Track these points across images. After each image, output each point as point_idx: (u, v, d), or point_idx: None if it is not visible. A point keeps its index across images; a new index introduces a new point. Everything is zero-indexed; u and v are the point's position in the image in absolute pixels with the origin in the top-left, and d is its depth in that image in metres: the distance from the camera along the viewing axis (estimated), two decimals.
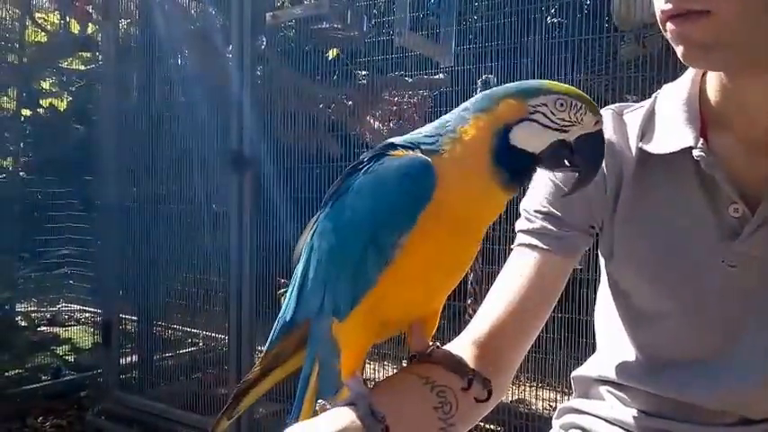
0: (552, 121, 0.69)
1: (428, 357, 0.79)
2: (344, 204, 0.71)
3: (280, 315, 0.78)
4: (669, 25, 0.76)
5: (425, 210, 0.67)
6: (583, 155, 0.70)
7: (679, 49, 0.77)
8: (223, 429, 0.81)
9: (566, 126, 0.69)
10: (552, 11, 2.73)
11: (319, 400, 0.72)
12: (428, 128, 0.73)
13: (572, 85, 0.71)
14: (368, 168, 0.71)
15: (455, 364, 0.78)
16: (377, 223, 0.68)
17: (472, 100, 0.72)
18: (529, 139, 0.69)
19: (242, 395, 0.80)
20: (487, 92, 0.72)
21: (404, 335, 0.80)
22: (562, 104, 0.69)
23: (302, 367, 0.77)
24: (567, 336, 2.56)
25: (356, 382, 0.70)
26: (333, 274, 0.72)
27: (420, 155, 0.69)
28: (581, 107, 0.69)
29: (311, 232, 0.76)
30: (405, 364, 0.83)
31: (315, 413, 0.72)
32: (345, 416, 0.67)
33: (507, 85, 0.72)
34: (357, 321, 0.70)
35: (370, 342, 0.73)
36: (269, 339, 0.79)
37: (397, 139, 0.73)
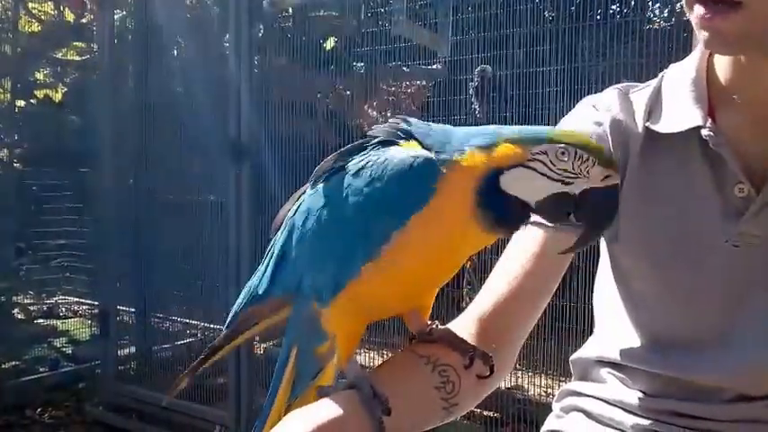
0: (552, 171, 0.66)
1: (428, 336, 0.78)
2: (338, 186, 0.69)
3: (250, 285, 0.77)
4: (699, 9, 0.74)
5: (421, 211, 0.65)
6: (587, 211, 0.67)
7: (702, 35, 0.75)
8: (182, 387, 0.82)
9: (568, 178, 0.66)
10: (546, 1, 2.74)
11: (319, 386, 0.72)
12: (438, 128, 0.71)
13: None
14: (370, 151, 0.69)
15: (456, 341, 0.78)
16: (370, 212, 0.66)
17: (489, 128, 0.69)
18: (523, 186, 0.66)
19: (205, 360, 0.80)
20: (502, 128, 0.69)
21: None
22: (564, 153, 0.65)
23: (263, 336, 0.78)
24: (558, 323, 2.59)
25: (352, 365, 0.70)
26: (316, 257, 0.70)
27: (428, 153, 0.67)
28: (587, 159, 0.65)
29: (296, 206, 0.74)
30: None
31: (315, 398, 0.72)
32: (347, 399, 0.67)
33: (521, 127, 0.69)
34: (346, 307, 0.69)
35: (363, 327, 0.73)
36: (234, 309, 0.78)
37: (412, 122, 0.71)
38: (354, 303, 0.69)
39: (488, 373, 0.78)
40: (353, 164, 0.68)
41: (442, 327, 0.80)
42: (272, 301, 0.75)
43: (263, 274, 0.76)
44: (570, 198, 0.66)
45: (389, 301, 0.73)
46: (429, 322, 0.79)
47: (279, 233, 0.76)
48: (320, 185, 0.71)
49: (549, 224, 0.72)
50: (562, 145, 0.65)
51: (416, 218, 0.65)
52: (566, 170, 0.65)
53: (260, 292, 0.75)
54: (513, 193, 0.66)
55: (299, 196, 0.75)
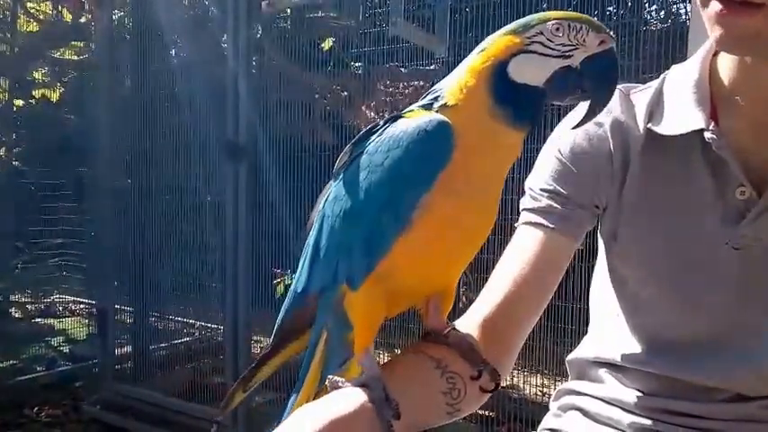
0: (552, 49, 0.67)
1: (443, 339, 0.78)
2: (359, 167, 0.70)
3: (291, 288, 0.77)
4: (715, 5, 0.73)
5: (443, 170, 0.66)
6: (591, 77, 0.67)
7: (716, 32, 0.74)
8: (238, 402, 0.81)
9: (567, 51, 0.67)
10: (544, 3, 2.75)
11: (331, 377, 0.71)
12: (438, 85, 0.72)
13: None
14: (383, 130, 0.70)
15: (468, 350, 0.78)
16: (394, 184, 0.67)
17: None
18: (529, 71, 0.67)
19: (257, 369, 0.79)
20: (495, 34, 0.71)
21: (418, 318, 0.80)
22: (558, 29, 0.67)
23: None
24: (555, 323, 2.60)
25: (369, 361, 0.70)
26: (347, 240, 0.70)
27: (436, 114, 0.68)
28: (581, 28, 0.67)
29: (323, 201, 0.75)
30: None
31: (324, 389, 0.72)
32: (358, 397, 0.67)
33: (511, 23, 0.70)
34: (370, 292, 0.69)
35: (383, 315, 0.72)
36: (281, 313, 0.78)
37: (413, 106, 0.72)
38: (383, 286, 0.69)
39: (493, 388, 0.78)
40: (370, 146, 0.70)
41: (458, 330, 0.79)
42: (313, 299, 0.76)
43: (300, 273, 0.76)
44: (573, 70, 0.67)
45: (420, 276, 0.72)
46: (447, 323, 0.79)
47: (311, 231, 0.76)
48: (342, 174, 0.72)
49: (560, 102, 0.72)
50: (554, 21, 0.67)
51: (442, 176, 0.66)
52: (563, 44, 0.67)
53: (299, 290, 0.75)
54: (522, 81, 0.67)
55: (325, 193, 0.76)
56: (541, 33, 0.67)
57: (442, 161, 0.66)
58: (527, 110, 0.68)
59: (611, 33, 0.68)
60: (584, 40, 0.67)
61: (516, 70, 0.67)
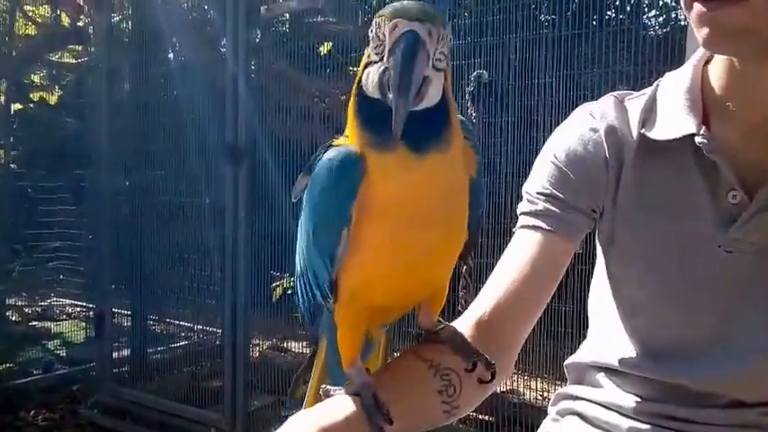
0: (377, 54, 0.62)
1: (435, 336, 0.79)
2: (304, 199, 0.71)
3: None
4: (698, 6, 0.74)
5: (357, 202, 0.64)
6: (391, 75, 0.59)
7: (702, 32, 0.75)
8: (301, 394, 0.83)
9: (381, 51, 0.61)
10: (543, 8, 2.76)
11: (323, 386, 0.73)
12: None
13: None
14: (318, 160, 0.69)
15: (461, 344, 0.78)
16: (319, 221, 0.68)
17: None
18: (369, 83, 0.63)
19: (310, 364, 0.82)
20: None
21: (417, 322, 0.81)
22: (372, 31, 0.62)
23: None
24: (554, 327, 2.60)
25: (358, 371, 0.71)
26: (304, 264, 0.73)
27: (345, 148, 0.66)
28: (383, 21, 0.61)
29: None
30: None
31: (319, 398, 0.73)
32: (349, 405, 0.68)
33: None
34: (348, 308, 0.71)
35: (363, 329, 0.74)
36: (304, 317, 0.81)
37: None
38: (353, 306, 0.71)
39: (490, 379, 0.79)
40: (312, 175, 0.70)
41: (451, 328, 0.80)
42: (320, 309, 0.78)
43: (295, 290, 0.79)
44: (387, 71, 0.61)
45: (388, 295, 0.72)
46: (438, 320, 0.80)
47: None
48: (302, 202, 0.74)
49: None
50: (374, 23, 0.62)
51: (358, 208, 0.65)
52: (378, 45, 0.62)
53: (303, 308, 0.78)
54: (371, 95, 0.63)
55: None
56: (372, 41, 0.63)
57: (351, 196, 0.64)
58: (387, 129, 0.59)
59: (413, 18, 0.59)
60: (385, 34, 0.60)
61: (366, 87, 0.63)
